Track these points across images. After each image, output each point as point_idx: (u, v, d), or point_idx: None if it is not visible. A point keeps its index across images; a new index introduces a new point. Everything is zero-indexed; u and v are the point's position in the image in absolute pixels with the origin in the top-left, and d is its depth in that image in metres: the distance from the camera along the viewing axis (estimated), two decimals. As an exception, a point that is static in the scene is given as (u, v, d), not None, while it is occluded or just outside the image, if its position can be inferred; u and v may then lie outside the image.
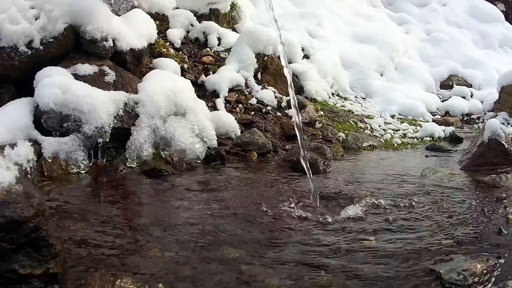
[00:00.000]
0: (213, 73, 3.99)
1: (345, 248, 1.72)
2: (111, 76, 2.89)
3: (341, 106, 4.71)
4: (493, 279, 1.48)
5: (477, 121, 5.47)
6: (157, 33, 3.62)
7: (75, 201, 2.09)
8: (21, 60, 2.72)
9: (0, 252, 1.17)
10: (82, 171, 2.52)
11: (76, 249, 1.57)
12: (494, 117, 4.64)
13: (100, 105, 2.61)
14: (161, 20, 4.27)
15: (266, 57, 4.26)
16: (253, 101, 3.91)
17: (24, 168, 1.47)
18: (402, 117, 4.91)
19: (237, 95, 3.91)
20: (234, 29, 4.91)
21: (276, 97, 4.08)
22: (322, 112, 4.26)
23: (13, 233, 1.18)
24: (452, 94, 6.03)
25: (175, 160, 2.79)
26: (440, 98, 5.89)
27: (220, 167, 2.89)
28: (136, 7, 3.52)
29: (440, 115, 5.43)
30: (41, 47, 2.77)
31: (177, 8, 4.54)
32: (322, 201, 2.28)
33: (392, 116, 4.85)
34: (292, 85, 2.47)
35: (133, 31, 3.19)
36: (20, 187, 1.22)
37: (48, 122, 2.54)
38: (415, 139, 4.31)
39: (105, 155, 2.64)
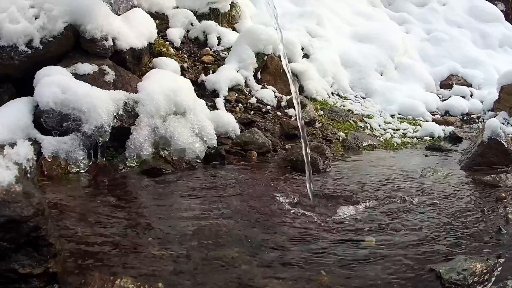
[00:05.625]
0: (213, 72, 3.99)
1: (345, 248, 1.72)
2: (111, 75, 2.89)
3: (341, 105, 4.70)
4: (493, 279, 1.48)
5: (477, 120, 5.46)
6: (157, 33, 3.62)
7: (75, 201, 2.09)
8: (20, 59, 2.72)
9: (0, 251, 1.17)
10: (82, 171, 2.52)
11: (76, 249, 1.57)
12: (494, 117, 4.64)
13: (100, 104, 2.61)
14: (161, 20, 4.27)
15: (266, 57, 4.25)
16: (253, 100, 3.91)
17: (23, 167, 1.47)
18: (402, 116, 4.91)
19: (237, 94, 3.90)
20: (234, 29, 4.90)
21: (276, 96, 4.07)
22: (322, 112, 4.26)
23: (12, 232, 1.18)
24: (452, 93, 6.02)
25: (175, 160, 2.79)
26: (440, 98, 5.88)
27: (220, 166, 2.89)
28: (136, 7, 3.52)
29: (440, 114, 5.42)
30: (41, 46, 2.77)
31: (177, 7, 4.54)
32: (322, 201, 2.28)
33: (392, 116, 4.84)
34: (299, 101, 2.48)
35: (133, 30, 3.19)
36: (20, 186, 1.22)
37: (48, 122, 2.54)
38: (415, 139, 4.30)
39: (104, 155, 2.64)
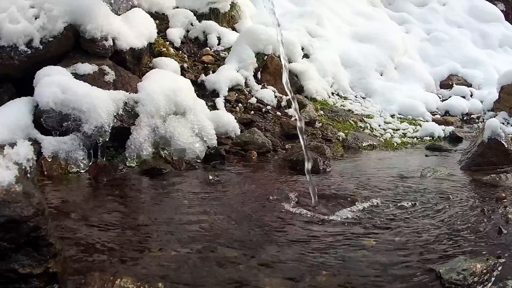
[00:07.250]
0: (213, 72, 3.99)
1: (345, 248, 1.72)
2: (111, 75, 2.89)
3: (341, 105, 4.70)
4: (492, 279, 1.48)
5: (477, 120, 5.47)
6: (157, 33, 3.62)
7: (75, 201, 2.09)
8: (20, 59, 2.72)
9: (0, 251, 1.17)
10: (82, 171, 2.52)
11: (75, 249, 1.57)
12: (494, 117, 4.65)
13: (100, 104, 2.61)
14: (161, 20, 4.27)
15: (266, 57, 4.26)
16: (253, 100, 3.91)
17: (23, 167, 1.47)
18: (402, 116, 4.91)
19: (237, 94, 3.90)
20: (234, 29, 4.91)
21: (276, 96, 4.08)
22: (322, 112, 4.26)
23: (12, 232, 1.18)
24: (452, 93, 6.03)
25: (175, 160, 2.79)
26: (440, 98, 5.89)
27: (220, 166, 2.89)
28: (136, 7, 3.52)
29: (440, 114, 5.42)
30: (41, 46, 2.77)
31: (177, 7, 4.54)
32: (322, 201, 2.28)
33: (392, 116, 4.85)
34: (298, 109, 2.48)
35: (133, 30, 3.19)
36: (20, 186, 1.22)
37: (48, 122, 2.54)
38: (415, 139, 4.31)
39: (104, 155, 2.64)
